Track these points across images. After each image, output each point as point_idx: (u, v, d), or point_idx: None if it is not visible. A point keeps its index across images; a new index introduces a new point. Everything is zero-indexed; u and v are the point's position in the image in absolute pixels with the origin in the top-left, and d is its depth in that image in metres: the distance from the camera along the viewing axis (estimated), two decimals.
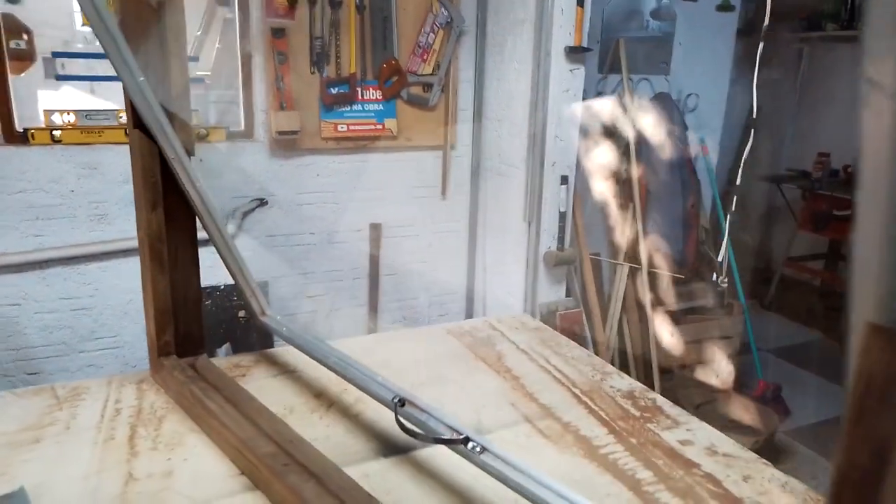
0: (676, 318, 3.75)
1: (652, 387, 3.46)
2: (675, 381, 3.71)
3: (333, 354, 1.25)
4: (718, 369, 3.81)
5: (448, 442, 0.97)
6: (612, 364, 3.47)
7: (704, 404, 3.51)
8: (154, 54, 1.23)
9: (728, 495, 1.07)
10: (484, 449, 0.94)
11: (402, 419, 1.03)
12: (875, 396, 0.35)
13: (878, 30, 0.29)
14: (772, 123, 5.15)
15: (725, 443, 1.24)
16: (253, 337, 3.27)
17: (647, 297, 3.50)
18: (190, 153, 1.29)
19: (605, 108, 3.53)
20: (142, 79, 1.16)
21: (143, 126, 1.25)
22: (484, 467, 0.93)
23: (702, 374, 3.79)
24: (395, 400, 1.06)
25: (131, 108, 1.25)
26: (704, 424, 1.30)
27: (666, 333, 3.66)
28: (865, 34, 0.30)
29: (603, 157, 3.60)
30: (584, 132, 3.35)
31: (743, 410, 3.49)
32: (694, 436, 1.26)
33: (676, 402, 1.41)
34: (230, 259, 1.38)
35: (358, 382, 1.16)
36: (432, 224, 3.64)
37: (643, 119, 3.59)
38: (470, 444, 0.94)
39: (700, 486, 1.10)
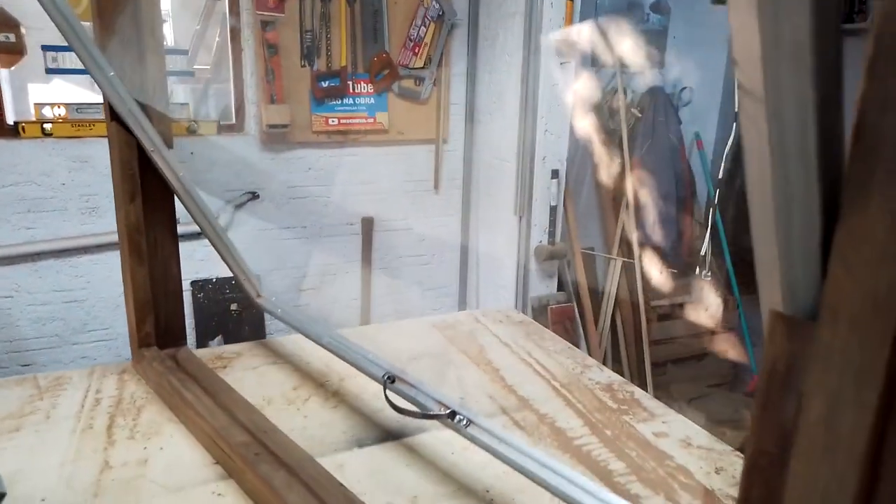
0: (670, 311, 3.76)
1: (644, 381, 3.47)
2: (668, 375, 3.72)
3: (327, 334, 1.26)
4: (712, 363, 3.82)
5: (435, 416, 0.99)
6: (605, 358, 3.48)
7: (697, 398, 3.52)
8: (130, 48, 1.23)
9: (699, 487, 1.08)
10: (470, 422, 0.96)
11: (390, 396, 1.04)
12: (778, 383, 0.36)
13: (741, 40, 0.30)
14: None
15: (700, 435, 1.25)
16: (245, 329, 3.29)
17: (640, 292, 3.51)
18: (168, 145, 1.30)
19: (596, 99, 3.53)
20: (111, 74, 1.16)
21: (120, 118, 1.26)
22: (472, 439, 0.95)
23: (695, 369, 3.80)
24: (385, 377, 1.07)
25: (108, 101, 1.25)
26: (681, 417, 1.31)
27: (658, 327, 3.66)
28: (731, 43, 0.30)
29: (595, 151, 3.60)
30: (576, 126, 3.35)
31: (736, 404, 3.50)
32: (669, 428, 1.26)
33: (669, 396, 1.42)
34: (220, 246, 1.38)
35: (350, 360, 1.18)
36: (425, 218, 3.65)
37: (636, 113, 3.59)
38: (457, 418, 0.96)
39: (672, 477, 1.11)
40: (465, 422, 0.96)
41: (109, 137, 1.28)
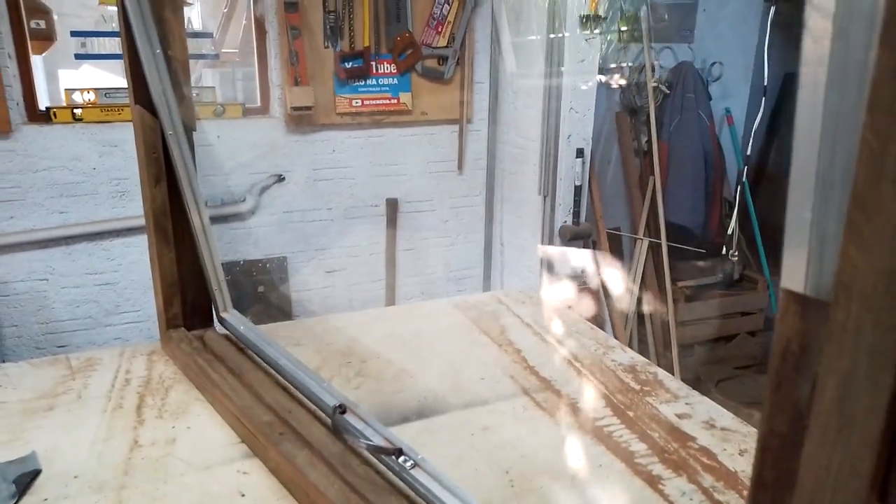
0: (698, 293, 3.70)
1: (671, 363, 3.44)
2: (696, 356, 3.68)
3: (283, 358, 1.24)
4: (740, 345, 3.76)
5: (381, 451, 0.96)
6: (630, 340, 3.45)
7: (725, 380, 3.48)
8: (151, 30, 1.24)
9: (722, 469, 1.07)
10: (415, 464, 0.93)
11: (338, 425, 1.03)
12: (792, 365, 0.35)
13: None
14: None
15: (725, 417, 1.23)
16: (271, 311, 3.33)
17: (666, 272, 3.46)
18: (191, 129, 1.31)
19: (623, 76, 3.46)
20: (158, 51, 1.18)
21: (143, 102, 1.27)
22: (411, 483, 0.92)
23: (723, 350, 3.75)
24: (336, 407, 1.05)
25: (133, 84, 1.27)
26: (705, 399, 1.29)
27: (686, 309, 3.62)
28: None
29: (622, 128, 3.54)
30: (603, 103, 3.30)
31: (764, 387, 3.45)
32: (693, 410, 1.25)
33: (696, 378, 1.40)
34: (204, 247, 1.37)
35: (302, 386, 1.16)
36: (449, 199, 3.64)
37: (664, 89, 3.51)
38: (402, 458, 0.94)
39: (694, 459, 1.10)
40: (410, 463, 0.93)
41: (134, 121, 1.30)
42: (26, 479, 1.00)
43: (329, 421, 1.07)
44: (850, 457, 0.32)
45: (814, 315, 0.33)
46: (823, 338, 0.32)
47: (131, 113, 1.30)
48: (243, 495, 0.99)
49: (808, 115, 0.33)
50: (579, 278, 3.32)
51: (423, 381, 1.34)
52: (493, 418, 1.20)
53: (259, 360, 1.31)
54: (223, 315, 1.42)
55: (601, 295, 3.44)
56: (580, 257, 3.37)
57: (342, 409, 1.04)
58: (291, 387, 1.20)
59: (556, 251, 3.26)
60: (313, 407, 1.20)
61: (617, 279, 3.48)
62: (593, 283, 3.39)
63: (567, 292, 3.28)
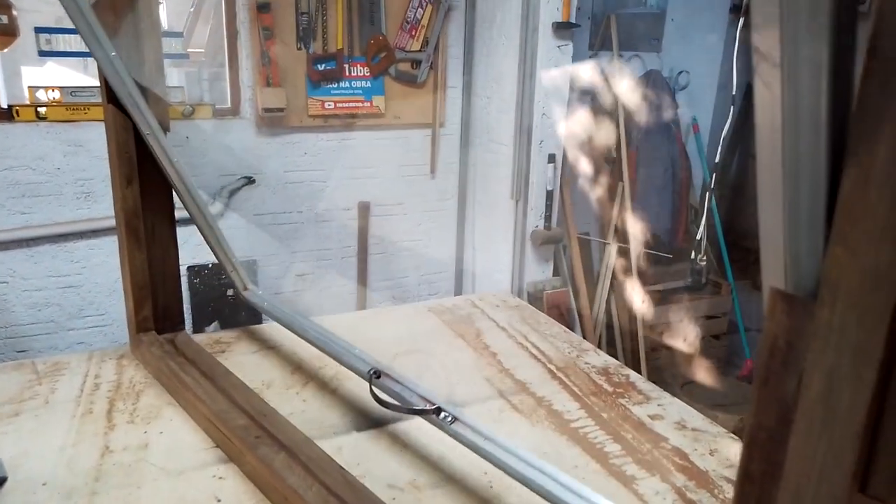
0: (664, 297, 3.77)
1: (638, 366, 3.49)
2: (663, 359, 3.74)
3: (312, 328, 1.27)
4: (705, 348, 3.84)
5: (421, 412, 0.99)
6: (600, 343, 3.49)
7: (690, 383, 3.55)
8: (127, 30, 1.22)
9: (693, 468, 1.09)
10: (455, 419, 0.96)
11: (376, 390, 1.05)
12: (778, 360, 0.36)
13: (760, 4, 0.30)
14: None
15: (695, 418, 1.26)
16: (241, 315, 3.29)
17: (635, 277, 3.52)
18: (165, 129, 1.29)
19: (594, 84, 3.52)
20: (113, 54, 1.16)
21: (117, 101, 1.25)
22: (455, 436, 0.95)
23: (689, 354, 3.82)
24: (371, 372, 1.08)
25: (105, 84, 1.24)
26: (676, 400, 1.32)
27: (653, 312, 3.68)
28: (752, 6, 0.30)
29: (592, 135, 3.59)
30: (573, 110, 3.34)
31: (729, 388, 3.52)
32: (665, 411, 1.28)
33: (663, 380, 1.43)
34: (210, 235, 1.38)
35: (336, 355, 1.18)
36: (421, 202, 3.64)
37: (633, 97, 3.58)
38: (442, 415, 0.97)
39: (667, 458, 1.12)
40: (449, 418, 0.96)
41: (106, 120, 1.27)
42: None
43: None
44: (834, 449, 0.33)
45: (800, 313, 0.34)
46: (809, 335, 0.34)
47: (103, 112, 1.28)
48: (219, 500, 0.97)
49: (768, 157, 0.35)
50: (550, 282, 3.36)
51: None
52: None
53: (233, 369, 1.30)
54: (245, 293, 1.43)
55: (570, 299, 3.48)
56: (551, 262, 3.41)
57: (377, 373, 1.06)
58: (290, 378, 1.19)
59: (527, 255, 3.29)
60: (290, 411, 1.19)
61: (586, 283, 3.52)
62: (563, 287, 3.43)
63: (538, 296, 3.31)
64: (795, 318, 0.35)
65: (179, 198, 1.33)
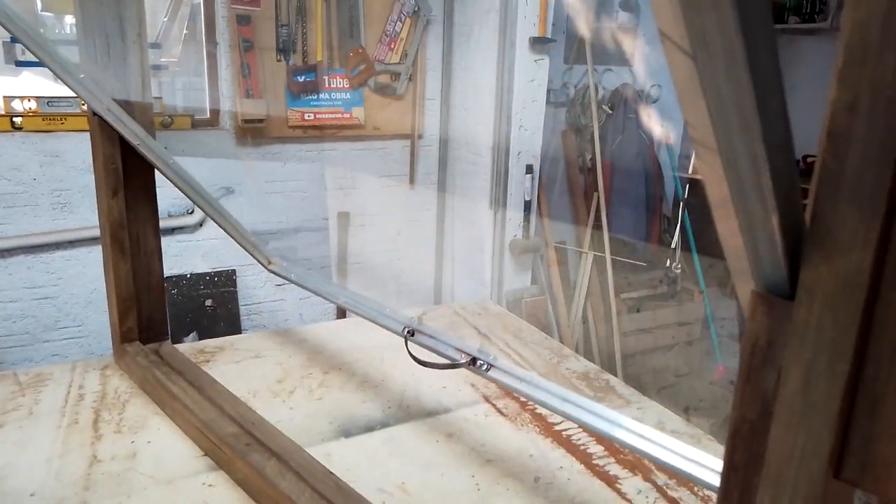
0: (639, 303, 3.84)
1: (615, 372, 3.55)
2: (637, 365, 3.80)
3: (343, 294, 1.29)
4: (680, 354, 3.92)
5: (458, 365, 1.02)
6: (577, 350, 3.54)
7: (666, 388, 3.62)
8: (113, 41, 1.23)
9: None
10: (491, 366, 1.00)
11: (411, 350, 1.06)
12: (759, 357, 0.39)
13: (689, 104, 0.33)
14: None
15: (673, 420, 1.30)
16: (219, 326, 3.27)
17: (610, 285, 3.58)
18: (152, 135, 1.30)
19: (569, 96, 3.59)
20: (82, 76, 1.17)
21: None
22: (495, 381, 0.99)
23: (663, 360, 3.89)
24: (405, 330, 1.10)
25: None
26: (654, 403, 1.36)
27: (628, 319, 3.74)
28: (681, 106, 0.34)
29: (568, 146, 3.66)
30: (549, 122, 3.40)
31: (702, 393, 3.60)
32: (644, 414, 1.31)
33: (639, 386, 1.47)
34: (223, 222, 1.40)
35: (369, 316, 1.20)
36: (400, 213, 3.67)
37: (607, 109, 3.65)
38: (478, 363, 1.00)
39: (647, 459, 1.15)
40: (485, 366, 0.99)
41: (91, 132, 1.28)
42: None
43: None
44: (812, 438, 0.36)
45: (779, 313, 0.38)
46: (788, 333, 0.37)
47: (88, 124, 1.28)
48: None
49: (708, 165, 0.38)
50: (528, 291, 3.40)
51: (386, 390, 1.36)
52: (456, 425, 1.24)
53: (219, 378, 1.31)
54: (270, 267, 1.44)
55: (549, 307, 3.52)
56: (529, 271, 3.45)
57: (412, 332, 1.08)
58: (278, 386, 1.20)
59: (506, 264, 3.33)
60: (277, 419, 1.20)
61: (563, 292, 3.57)
62: (541, 295, 3.47)
63: (517, 304, 3.35)
64: (774, 319, 0.38)
65: (186, 195, 1.34)
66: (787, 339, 0.37)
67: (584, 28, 3.55)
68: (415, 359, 1.04)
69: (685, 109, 0.34)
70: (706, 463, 0.79)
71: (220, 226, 1.40)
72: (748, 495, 0.40)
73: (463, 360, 1.01)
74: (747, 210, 0.35)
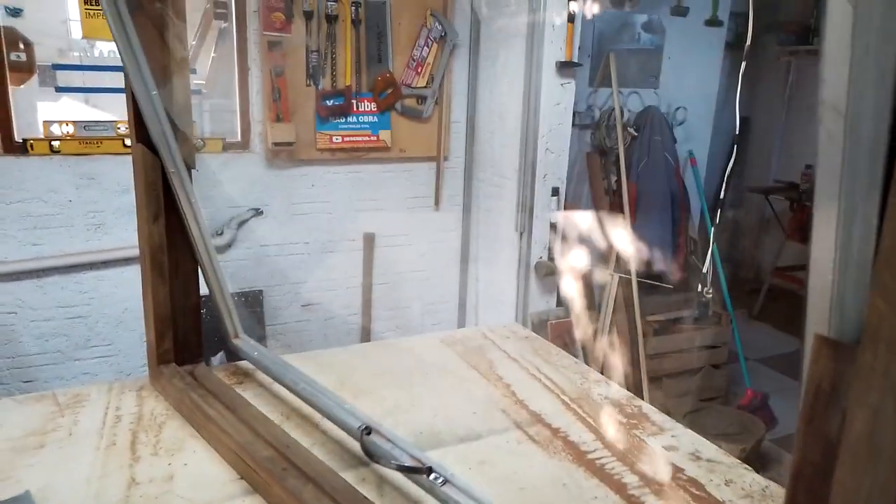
0: (665, 327, 3.80)
1: (641, 395, 3.50)
2: (664, 389, 3.75)
3: (302, 380, 1.27)
4: (706, 378, 3.86)
5: (411, 470, 0.97)
6: (602, 373, 3.51)
7: (692, 412, 3.56)
8: (157, 67, 1.27)
9: (710, 499, 1.12)
10: (446, 481, 0.95)
11: (366, 447, 1.04)
12: (823, 401, 0.39)
13: (831, 60, 0.34)
14: (760, 135, 5.23)
15: (709, 449, 1.28)
16: None
17: (636, 308, 3.55)
18: (191, 167, 1.33)
19: (595, 119, 3.59)
20: (154, 92, 1.20)
21: (145, 140, 1.29)
22: (445, 500, 0.94)
23: (690, 384, 3.84)
24: (362, 428, 1.07)
25: (135, 123, 1.28)
26: (689, 431, 1.35)
27: (654, 342, 3.70)
28: (821, 64, 0.34)
29: (594, 169, 3.66)
30: (575, 145, 3.41)
31: (729, 418, 3.53)
32: (678, 441, 1.30)
33: (665, 410, 1.45)
34: (212, 277, 1.40)
35: (324, 409, 1.18)
36: (425, 234, 3.69)
37: (632, 132, 3.66)
38: (433, 475, 0.96)
39: (684, 489, 1.14)
40: (440, 480, 0.94)
41: (134, 159, 1.31)
42: None
43: (337, 451, 1.08)
44: (880, 483, 0.36)
45: (843, 357, 0.38)
46: (851, 376, 0.37)
47: (132, 151, 1.32)
48: None
49: (827, 192, 0.38)
50: (553, 313, 3.39)
51: (418, 416, 1.36)
52: (488, 452, 1.23)
53: (252, 401, 1.32)
54: (235, 341, 1.43)
55: (572, 329, 3.50)
56: (554, 293, 3.44)
57: (368, 430, 1.05)
58: (308, 409, 1.21)
59: (531, 286, 3.32)
60: (311, 442, 1.21)
61: (589, 313, 3.55)
62: (566, 317, 3.45)
63: (542, 326, 3.34)
64: (839, 362, 0.38)
65: (191, 236, 1.36)
66: (852, 383, 0.37)
67: (608, 51, 3.57)
68: (368, 454, 1.01)
69: (826, 64, 0.35)
70: None
71: (207, 281, 1.40)
72: None
73: (419, 467, 0.95)
74: (852, 207, 0.35)
